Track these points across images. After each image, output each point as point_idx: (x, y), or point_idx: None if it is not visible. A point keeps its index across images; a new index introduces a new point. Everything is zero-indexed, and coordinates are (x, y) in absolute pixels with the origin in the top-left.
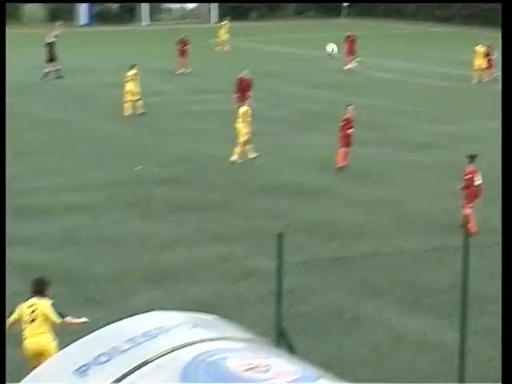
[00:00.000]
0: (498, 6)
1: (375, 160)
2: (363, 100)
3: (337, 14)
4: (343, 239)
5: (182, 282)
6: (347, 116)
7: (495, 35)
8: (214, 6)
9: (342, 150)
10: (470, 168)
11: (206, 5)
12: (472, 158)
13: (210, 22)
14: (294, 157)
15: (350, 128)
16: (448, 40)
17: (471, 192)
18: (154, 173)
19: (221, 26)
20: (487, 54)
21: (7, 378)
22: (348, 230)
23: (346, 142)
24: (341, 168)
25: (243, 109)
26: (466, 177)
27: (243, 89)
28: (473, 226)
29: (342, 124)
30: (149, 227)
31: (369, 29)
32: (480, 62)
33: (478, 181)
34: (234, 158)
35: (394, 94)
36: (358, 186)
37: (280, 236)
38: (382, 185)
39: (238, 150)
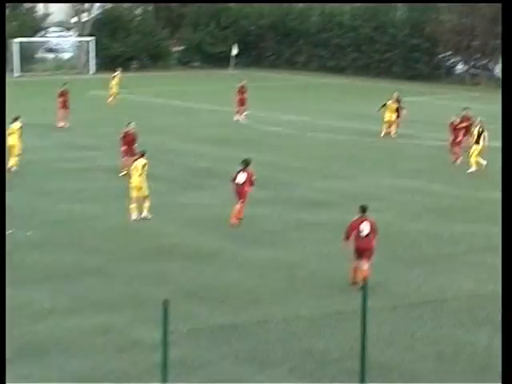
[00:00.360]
0: (393, 57)
1: (267, 219)
2: (253, 155)
3: (224, 64)
4: (234, 305)
5: (59, 355)
6: (250, 171)
7: (390, 86)
8: (92, 56)
9: (239, 206)
10: (356, 217)
11: (83, 55)
12: (363, 208)
13: (88, 72)
14: (180, 217)
15: (252, 183)
16: (342, 92)
17: (356, 244)
18: (26, 237)
19: (113, 77)
20: (397, 109)
21: None
22: (239, 295)
23: (244, 197)
24: (238, 225)
25: (141, 162)
26: (348, 225)
27: (130, 143)
28: (360, 277)
29: (244, 180)
30: (22, 296)
31: (258, 80)
32: (390, 116)
33: (363, 231)
34: (145, 214)
35: (285, 149)
36: (249, 247)
37: (166, 303)
38: (274, 246)
39: (147, 204)
